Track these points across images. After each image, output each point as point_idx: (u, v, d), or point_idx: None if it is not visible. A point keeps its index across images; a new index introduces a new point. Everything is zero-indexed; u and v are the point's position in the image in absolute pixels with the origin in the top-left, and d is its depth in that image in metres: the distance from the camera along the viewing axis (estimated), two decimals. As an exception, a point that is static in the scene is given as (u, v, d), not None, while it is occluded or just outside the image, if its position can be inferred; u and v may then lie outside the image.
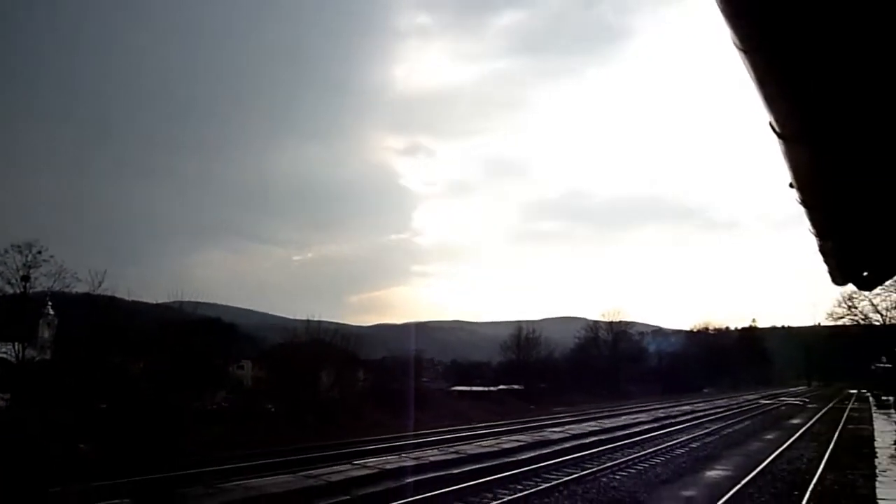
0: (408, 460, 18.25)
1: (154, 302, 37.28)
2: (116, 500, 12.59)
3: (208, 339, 39.34)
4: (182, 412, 27.37)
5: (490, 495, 14.79)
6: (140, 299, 35.83)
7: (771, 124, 2.73)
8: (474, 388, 60.86)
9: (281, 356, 40.35)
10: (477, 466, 18.07)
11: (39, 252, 27.51)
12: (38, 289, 29.26)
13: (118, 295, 30.50)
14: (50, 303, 33.00)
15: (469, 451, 20.58)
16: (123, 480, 15.73)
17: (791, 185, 3.60)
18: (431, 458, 18.79)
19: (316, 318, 41.68)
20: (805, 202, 3.63)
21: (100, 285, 28.40)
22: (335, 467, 16.96)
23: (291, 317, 46.16)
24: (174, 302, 34.38)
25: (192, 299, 34.43)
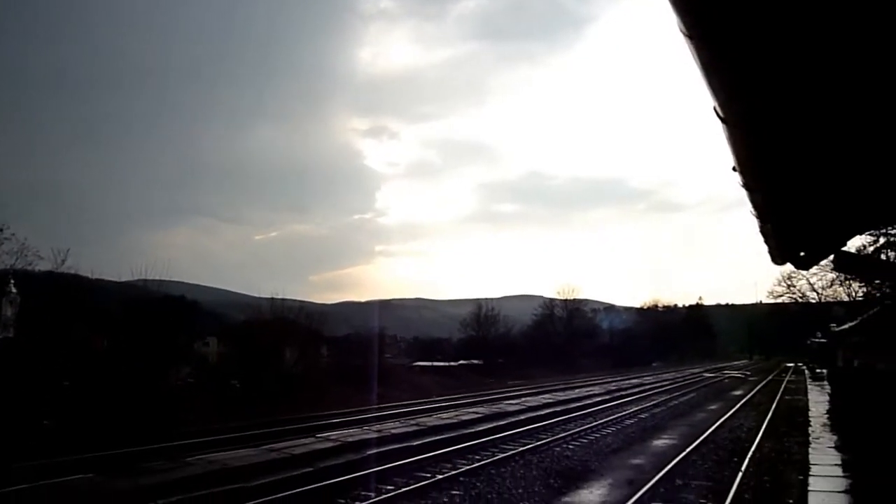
0: (370, 433, 18.28)
1: (118, 280, 36.41)
2: (80, 475, 12.35)
3: (172, 317, 38.65)
4: (146, 389, 26.92)
5: (449, 465, 14.93)
6: (104, 277, 34.98)
7: (715, 109, 2.75)
8: (435, 364, 61.23)
9: (245, 333, 39.85)
10: (436, 438, 18.21)
11: (0, 230, 26.56)
12: (0, 267, 28.32)
13: (81, 273, 29.69)
14: (12, 281, 31.96)
15: (429, 424, 20.71)
16: (87, 455, 15.47)
17: (734, 169, 3.65)
18: (393, 431, 18.86)
19: (280, 296, 41.27)
20: (747, 185, 3.69)
21: (63, 263, 27.59)
22: (298, 441, 16.90)
23: (256, 294, 45.55)
24: (138, 280, 33.57)
25: (157, 277, 33.62)
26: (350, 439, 16.96)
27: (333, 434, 18.15)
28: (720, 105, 2.60)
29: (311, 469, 13.74)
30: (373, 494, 12.06)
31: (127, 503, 10.31)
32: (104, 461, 14.69)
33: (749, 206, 4.49)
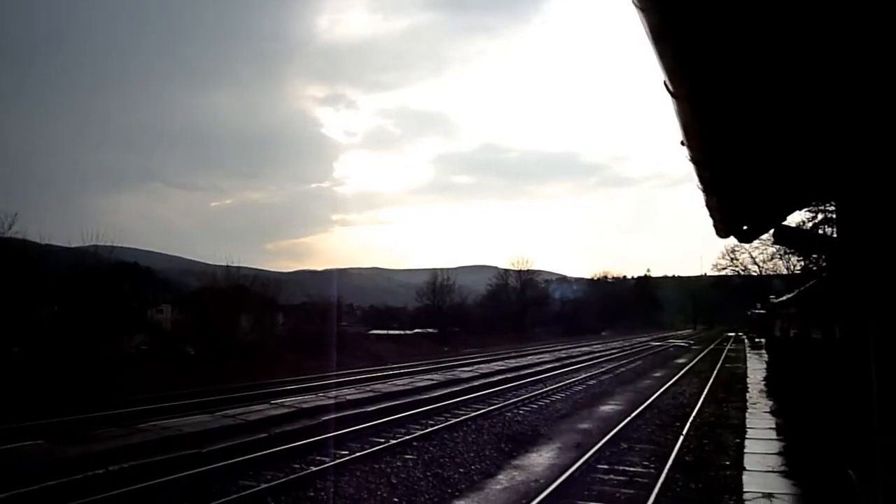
0: (325, 399, 18.30)
1: (68, 245, 35.31)
2: (30, 441, 12.07)
3: (125, 283, 37.78)
4: (98, 356, 26.34)
5: (403, 430, 15.08)
6: (53, 242, 33.87)
7: (665, 84, 2.77)
8: (391, 332, 61.44)
9: (200, 300, 39.28)
10: (391, 404, 18.34)
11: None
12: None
13: (30, 238, 28.71)
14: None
15: (384, 390, 20.84)
16: (37, 422, 15.12)
17: (682, 143, 3.70)
18: (348, 397, 18.91)
19: (236, 264, 40.69)
20: (694, 159, 3.75)
21: (10, 228, 26.61)
22: (253, 407, 16.83)
23: (211, 262, 44.78)
24: (89, 245, 32.62)
25: (108, 243, 32.70)
26: (305, 405, 16.95)
27: (289, 400, 18.12)
28: (669, 79, 2.63)
29: (266, 435, 13.71)
30: (328, 459, 12.11)
31: (78, 470, 10.12)
32: (54, 428, 14.38)
33: (696, 181, 4.57)
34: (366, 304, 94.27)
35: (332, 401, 18.00)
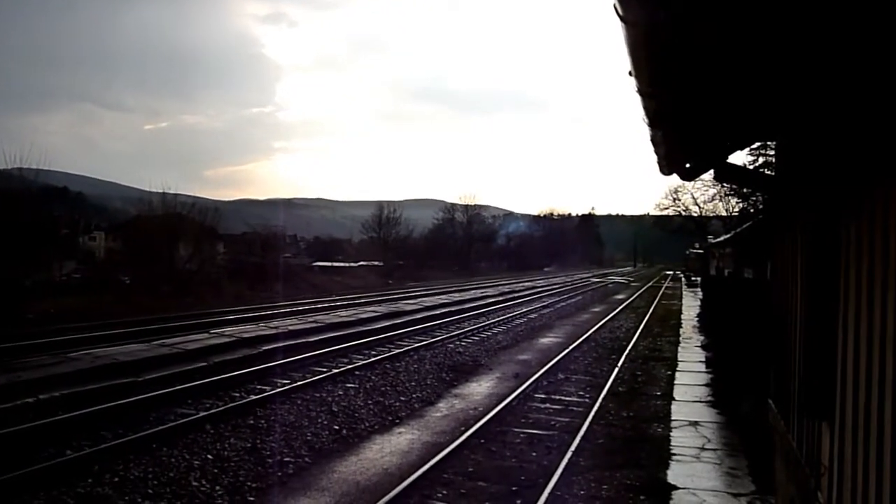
0: (266, 329, 18.23)
1: (-12, 166, 33.42)
2: (-48, 370, 11.67)
3: (54, 208, 36.26)
4: (26, 283, 25.44)
5: (345, 360, 15.22)
6: (-29, 163, 31.99)
7: (615, 6, 2.70)
8: (335, 264, 61.20)
9: (135, 227, 38.20)
10: (334, 334, 18.43)
11: None
12: None
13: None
14: None
15: (327, 321, 20.88)
16: (-40, 350, 14.60)
17: (630, 74, 3.66)
18: (290, 327, 18.88)
19: (172, 191, 39.50)
20: (641, 91, 3.72)
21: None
22: (192, 336, 16.64)
23: (146, 188, 43.34)
24: (13, 168, 31.04)
25: (34, 165, 31.16)
26: (246, 335, 16.87)
27: (229, 330, 17.98)
28: (620, 1, 2.56)
29: (205, 364, 13.62)
30: (268, 388, 12.16)
31: (5, 398, 9.88)
32: (-21, 355, 13.92)
33: (642, 114, 4.56)
34: (310, 235, 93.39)
35: (273, 331, 17.94)
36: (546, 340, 20.52)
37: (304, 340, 17.15)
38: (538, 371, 14.26)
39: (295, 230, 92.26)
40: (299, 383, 12.46)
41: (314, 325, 19.99)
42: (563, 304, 34.87)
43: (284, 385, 12.36)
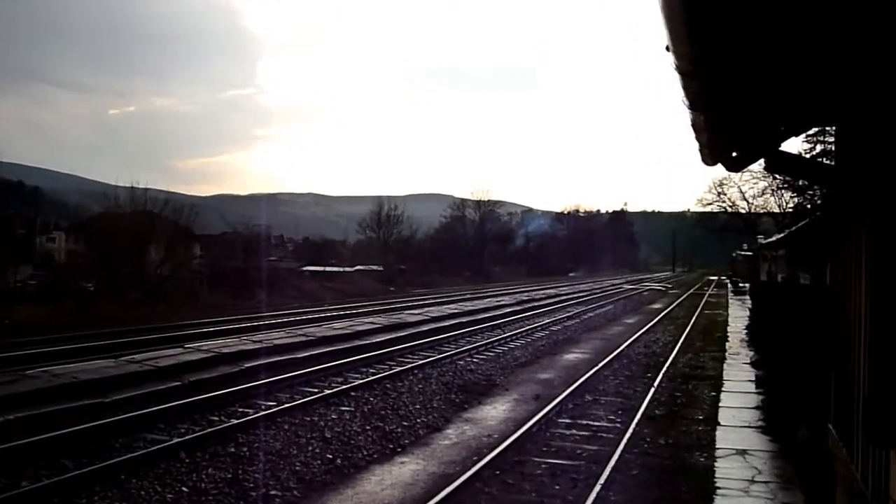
0: (250, 343, 18.29)
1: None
2: None
3: (7, 205, 36.57)
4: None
5: (340, 379, 15.24)
6: None
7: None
8: (328, 269, 61.38)
9: (100, 227, 38.42)
10: (327, 350, 18.46)
11: None
12: None
13: None
14: None
15: (319, 334, 20.92)
16: None
17: (667, 48, 3.66)
18: (276, 342, 18.93)
19: (142, 185, 39.74)
20: (680, 68, 3.72)
21: None
22: (164, 351, 16.72)
23: (112, 182, 43.58)
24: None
25: (-17, 156, 31.39)
26: (226, 350, 16.92)
27: (207, 344, 18.04)
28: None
29: (179, 383, 13.68)
30: (251, 411, 12.19)
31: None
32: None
33: (681, 95, 4.55)
34: (298, 235, 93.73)
35: (257, 345, 17.99)
36: (571, 356, 20.48)
37: (292, 356, 17.17)
38: (562, 392, 14.23)
39: (281, 230, 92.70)
40: (287, 405, 12.48)
41: (304, 338, 20.03)
42: (591, 314, 34.80)
43: (270, 407, 12.39)
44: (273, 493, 8.62)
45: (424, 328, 24.47)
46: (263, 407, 12.50)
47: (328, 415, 12.22)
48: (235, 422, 11.35)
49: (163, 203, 40.65)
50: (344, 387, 14.27)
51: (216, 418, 11.72)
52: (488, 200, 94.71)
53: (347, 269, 63.49)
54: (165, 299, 32.88)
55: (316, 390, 13.97)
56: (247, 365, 15.67)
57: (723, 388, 15.00)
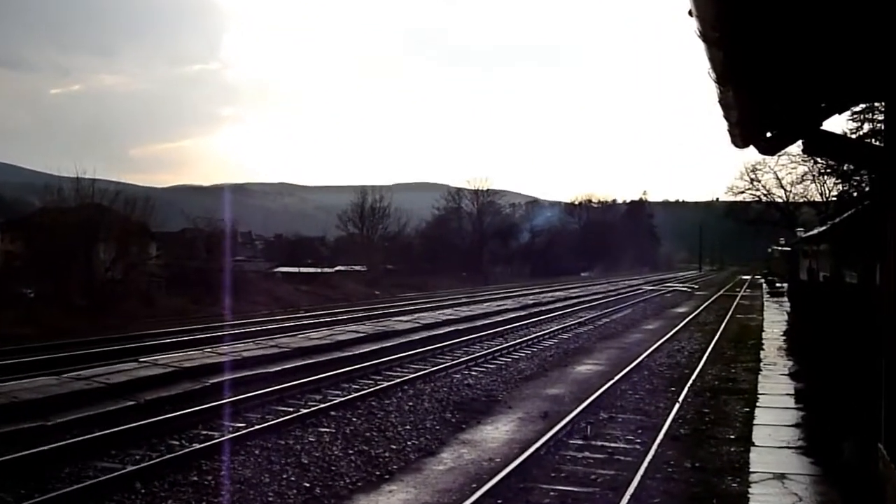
0: (213, 356, 18.25)
1: None
2: None
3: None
4: None
5: (318, 397, 15.24)
6: None
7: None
8: (305, 270, 61.31)
9: (41, 224, 38.24)
10: (303, 363, 18.46)
11: None
12: None
13: None
14: None
15: (294, 345, 20.89)
16: None
17: (690, 13, 3.65)
18: (245, 354, 18.92)
19: (90, 175, 39.55)
20: (704, 34, 3.72)
21: None
22: (116, 366, 16.65)
23: (54, 172, 43.43)
24: None
25: None
26: (188, 364, 16.89)
27: (165, 357, 18.00)
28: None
29: (133, 402, 13.66)
30: (216, 434, 12.17)
31: None
32: None
33: (707, 67, 4.55)
34: (270, 232, 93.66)
35: (223, 358, 17.95)
36: (583, 368, 20.50)
37: (263, 371, 17.16)
38: (573, 409, 14.24)
39: (251, 225, 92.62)
40: (257, 427, 12.46)
41: (276, 350, 20.00)
42: (606, 319, 34.84)
43: (238, 430, 12.37)
44: (242, 527, 8.61)
45: (415, 337, 24.46)
46: (231, 429, 12.48)
47: (305, 437, 12.21)
48: (198, 446, 11.33)
49: (113, 195, 40.41)
50: (323, 405, 14.26)
51: (176, 443, 11.69)
52: (487, 190, 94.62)
53: (326, 269, 63.40)
54: (117, 306, 32.79)
55: (291, 409, 13.94)
56: (211, 381, 15.64)
57: (757, 404, 15.03)
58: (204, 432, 12.36)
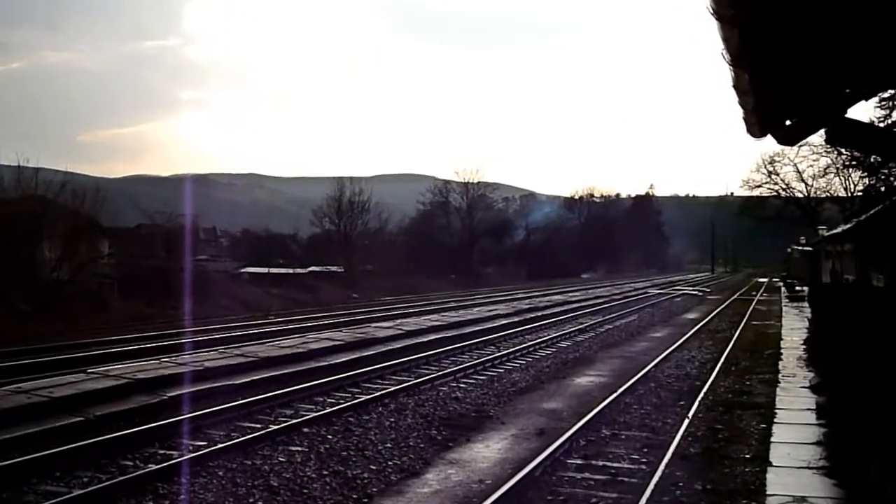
0: (172, 367, 18.21)
1: None
2: None
3: None
4: None
5: (289, 411, 15.20)
6: None
7: None
8: (274, 271, 61.25)
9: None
10: (272, 374, 18.44)
11: None
12: None
13: None
14: None
15: (262, 354, 20.87)
16: None
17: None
18: (208, 364, 18.87)
19: (32, 164, 39.35)
20: (716, 11, 3.73)
21: None
22: (62, 377, 16.58)
23: (-8, 160, 43.13)
24: None
25: None
26: (143, 375, 16.83)
27: (118, 368, 17.95)
28: None
29: (81, 418, 13.59)
30: (175, 454, 12.13)
31: None
32: None
33: (721, 47, 4.56)
34: (236, 227, 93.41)
35: (183, 369, 17.91)
36: (584, 380, 20.53)
37: (227, 383, 17.11)
38: (572, 425, 14.25)
39: (215, 221, 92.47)
40: (221, 446, 12.41)
41: (243, 360, 19.96)
42: (609, 326, 34.93)
43: (199, 448, 12.31)
44: (203, 558, 8.58)
45: (397, 345, 24.46)
46: (191, 448, 12.42)
47: (274, 457, 12.17)
48: (154, 467, 11.28)
49: (59, 187, 40.23)
50: (294, 421, 14.22)
51: (129, 463, 11.64)
52: (478, 182, 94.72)
53: (299, 270, 63.32)
54: (64, 310, 32.64)
55: (258, 426, 13.91)
56: (169, 394, 15.59)
57: (775, 419, 15.08)
58: (161, 451, 12.30)
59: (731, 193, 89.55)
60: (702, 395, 17.87)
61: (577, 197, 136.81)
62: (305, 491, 10.76)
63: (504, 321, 33.80)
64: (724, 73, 5.19)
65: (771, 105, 5.97)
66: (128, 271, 42.48)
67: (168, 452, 12.25)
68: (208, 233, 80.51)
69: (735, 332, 32.71)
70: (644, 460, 12.48)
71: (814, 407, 15.84)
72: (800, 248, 58.16)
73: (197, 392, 15.85)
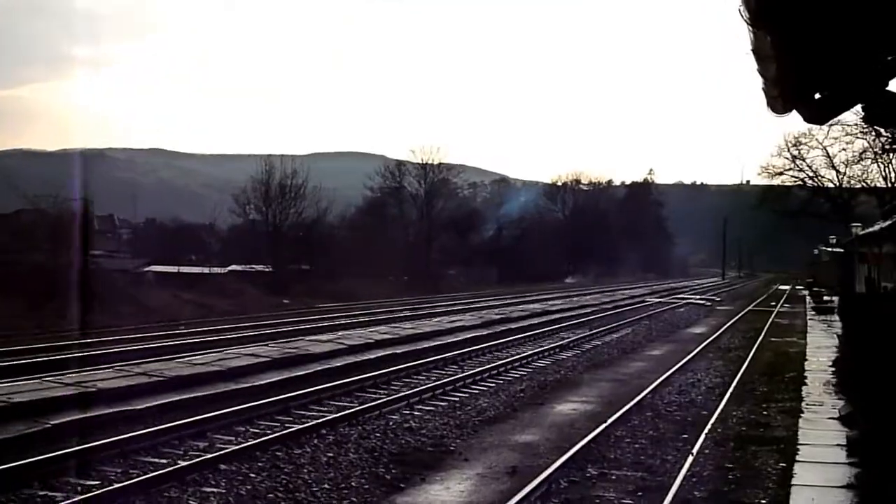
0: (56, 388, 18.07)
1: None
2: None
3: None
4: None
5: (203, 444, 15.11)
6: None
7: None
8: (186, 270, 60.93)
9: None
10: (181, 397, 18.36)
11: None
12: None
13: None
14: None
15: (170, 373, 20.76)
16: None
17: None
18: (101, 385, 18.76)
19: None
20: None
21: None
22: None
23: None
24: None
25: None
26: (19, 398, 16.67)
27: (-11, 389, 17.77)
28: None
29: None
30: (59, 496, 12.01)
31: None
32: None
33: (738, 4, 4.59)
34: (140, 215, 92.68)
35: (70, 391, 17.79)
36: (566, 408, 20.60)
37: (127, 408, 17.00)
38: (552, 462, 14.30)
39: (113, 207, 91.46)
40: (117, 486, 12.33)
41: (146, 380, 19.85)
42: (598, 342, 35.09)
43: (90, 489, 12.23)
44: None
45: (337, 363, 24.43)
46: (79, 489, 12.33)
47: (184, 500, 12.11)
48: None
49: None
50: (209, 456, 14.16)
51: (3, 506, 11.53)
52: (439, 164, 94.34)
53: (216, 270, 63.01)
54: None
55: (165, 461, 13.85)
56: (53, 422, 15.43)
57: (797, 457, 15.22)
58: (41, 493, 12.19)
59: (748, 182, 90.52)
60: (709, 426, 17.99)
61: (560, 184, 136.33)
62: (222, 543, 10.73)
63: (469, 335, 33.84)
64: (742, 35, 5.22)
65: (797, 74, 6.01)
66: (2, 269, 42.01)
67: (51, 494, 12.14)
68: (105, 222, 79.68)
69: (750, 350, 32.96)
70: (638, 507, 12.55)
71: (844, 442, 16.01)
72: (829, 249, 58.72)
73: (88, 419, 15.73)
